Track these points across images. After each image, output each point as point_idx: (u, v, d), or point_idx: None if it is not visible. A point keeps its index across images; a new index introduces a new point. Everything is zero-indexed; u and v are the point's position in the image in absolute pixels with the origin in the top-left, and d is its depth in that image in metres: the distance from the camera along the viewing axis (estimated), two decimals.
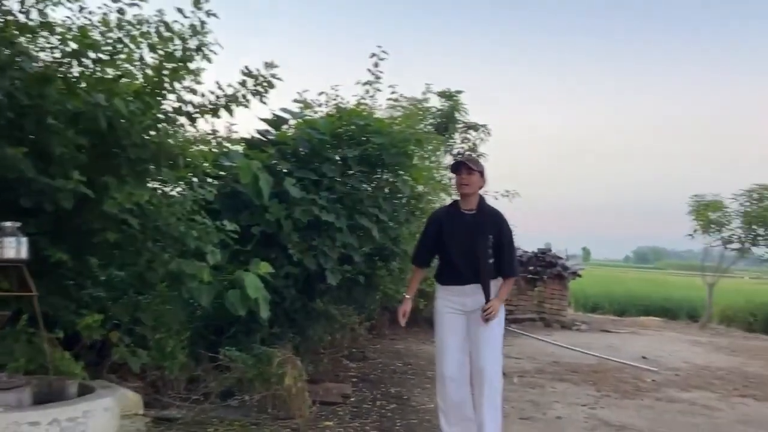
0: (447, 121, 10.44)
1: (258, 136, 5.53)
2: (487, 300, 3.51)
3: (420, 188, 6.00)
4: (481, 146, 10.98)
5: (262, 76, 4.59)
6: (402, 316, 3.75)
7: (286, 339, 5.44)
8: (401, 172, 5.77)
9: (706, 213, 13.49)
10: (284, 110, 5.76)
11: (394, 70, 6.97)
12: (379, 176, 5.74)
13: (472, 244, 3.59)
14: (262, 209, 4.88)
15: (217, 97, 4.29)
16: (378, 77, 6.71)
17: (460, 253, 3.62)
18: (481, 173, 3.67)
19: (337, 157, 5.54)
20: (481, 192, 3.77)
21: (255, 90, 4.64)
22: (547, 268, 11.03)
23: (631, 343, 9.19)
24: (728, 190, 14.05)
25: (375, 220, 5.43)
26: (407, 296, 3.80)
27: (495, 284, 3.61)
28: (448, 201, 7.19)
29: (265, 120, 5.57)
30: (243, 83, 4.56)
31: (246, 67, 4.51)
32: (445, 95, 10.48)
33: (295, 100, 5.90)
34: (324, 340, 5.87)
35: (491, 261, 3.59)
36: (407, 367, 6.41)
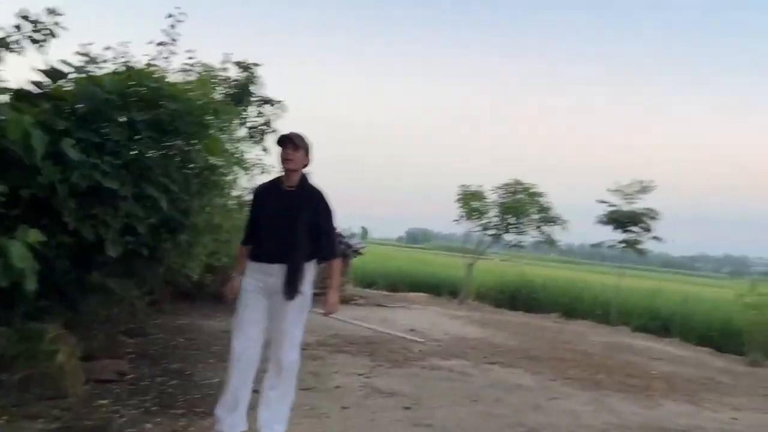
0: (242, 93, 10.23)
1: (30, 87, 4.92)
2: (291, 284, 3.44)
3: (213, 160, 5.85)
4: (276, 122, 10.94)
5: (42, 22, 4.15)
6: (230, 294, 3.66)
7: (55, 313, 5.00)
8: (194, 142, 5.57)
9: (470, 202, 15.13)
10: (64, 62, 5.20)
11: (195, 36, 6.69)
12: (170, 144, 5.47)
13: (288, 222, 3.49)
14: (33, 170, 4.38)
15: None
16: (174, 39, 6.40)
17: (273, 231, 3.52)
18: (307, 151, 3.58)
19: (124, 120, 5.17)
20: (305, 170, 3.65)
21: (32, 37, 4.18)
22: None
23: (402, 317, 10.01)
24: (490, 183, 15.92)
25: (164, 190, 5.19)
26: (234, 275, 3.68)
27: (309, 267, 3.56)
28: (242, 175, 7.15)
29: (41, 71, 4.97)
30: (17, 27, 4.08)
31: (23, 11, 4.03)
32: (242, 66, 10.26)
33: (78, 53, 5.36)
34: (100, 315, 5.48)
35: (307, 242, 3.51)
36: (190, 342, 6.27)
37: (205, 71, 8.48)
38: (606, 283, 18.98)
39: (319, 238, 3.58)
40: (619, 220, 12.51)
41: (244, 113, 10.32)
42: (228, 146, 6.50)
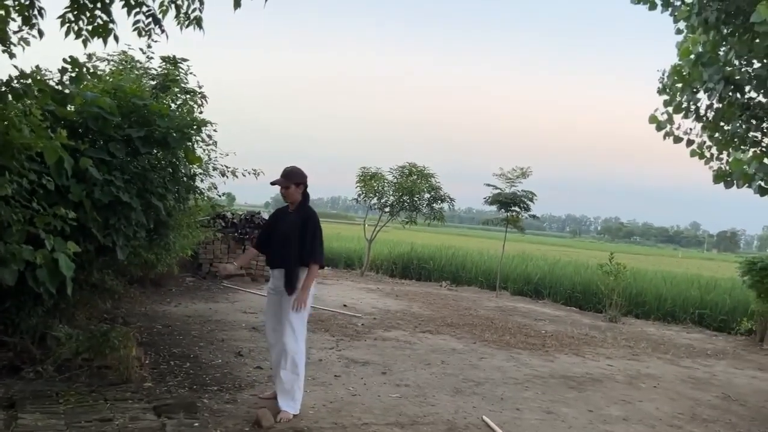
0: (166, 85, 10.63)
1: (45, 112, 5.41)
2: (288, 283, 4.44)
3: (193, 168, 6.59)
4: (197, 111, 11.41)
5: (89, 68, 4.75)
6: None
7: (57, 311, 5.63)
8: (181, 154, 6.30)
9: (372, 183, 16.42)
10: (63, 84, 5.68)
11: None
12: (162, 157, 6.17)
13: (286, 236, 4.57)
14: (63, 190, 5.00)
15: None
16: (150, 58, 7.02)
17: (276, 243, 4.64)
18: (297, 184, 4.65)
19: (120, 138, 5.80)
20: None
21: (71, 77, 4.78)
22: (255, 229, 12.24)
23: (327, 293, 11.13)
24: (387, 165, 17.25)
25: (161, 199, 5.91)
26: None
27: (303, 271, 4.53)
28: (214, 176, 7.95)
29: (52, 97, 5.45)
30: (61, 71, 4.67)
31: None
32: (168, 60, 10.63)
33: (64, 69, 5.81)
34: (101, 309, 6.13)
35: (297, 250, 4.49)
36: (168, 329, 7.00)
37: (129, 64, 9.03)
38: (482, 250, 21.37)
39: (304, 246, 4.53)
40: (502, 201, 14.39)
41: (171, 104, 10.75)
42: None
